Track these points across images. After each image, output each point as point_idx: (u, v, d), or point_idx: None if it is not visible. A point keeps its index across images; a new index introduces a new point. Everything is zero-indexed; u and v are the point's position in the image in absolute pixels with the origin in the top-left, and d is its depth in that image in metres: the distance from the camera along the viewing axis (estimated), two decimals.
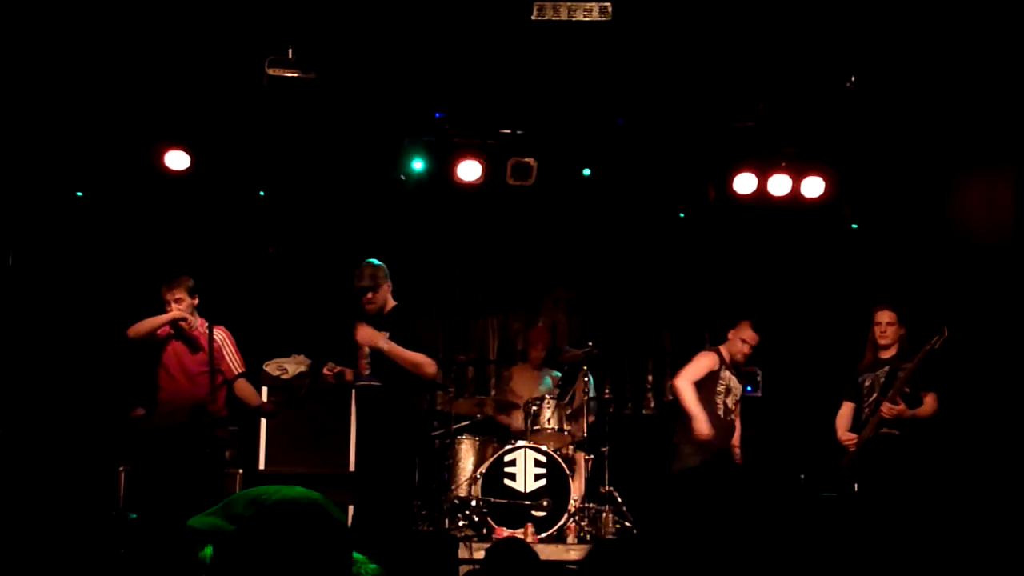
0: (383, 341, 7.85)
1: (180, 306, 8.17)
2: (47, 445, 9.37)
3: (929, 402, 8.28)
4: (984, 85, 8.53)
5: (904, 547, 7.74)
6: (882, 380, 8.28)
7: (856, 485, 8.28)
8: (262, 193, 10.33)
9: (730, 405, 9.16)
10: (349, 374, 8.18)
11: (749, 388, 10.56)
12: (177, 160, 9.61)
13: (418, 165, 10.17)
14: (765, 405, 10.55)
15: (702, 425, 8.87)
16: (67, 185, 9.86)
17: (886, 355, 8.41)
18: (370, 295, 7.94)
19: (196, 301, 8.34)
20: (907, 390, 8.11)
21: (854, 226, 10.51)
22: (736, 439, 9.33)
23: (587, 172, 10.46)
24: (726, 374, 9.16)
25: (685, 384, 9.06)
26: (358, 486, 8.27)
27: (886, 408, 8.12)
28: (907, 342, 8.40)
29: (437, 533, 8.55)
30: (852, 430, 8.44)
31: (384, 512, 7.82)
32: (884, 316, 8.42)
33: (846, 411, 8.55)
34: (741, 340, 9.17)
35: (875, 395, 8.28)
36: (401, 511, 8.01)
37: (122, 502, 8.50)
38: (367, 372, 8.01)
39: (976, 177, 9.22)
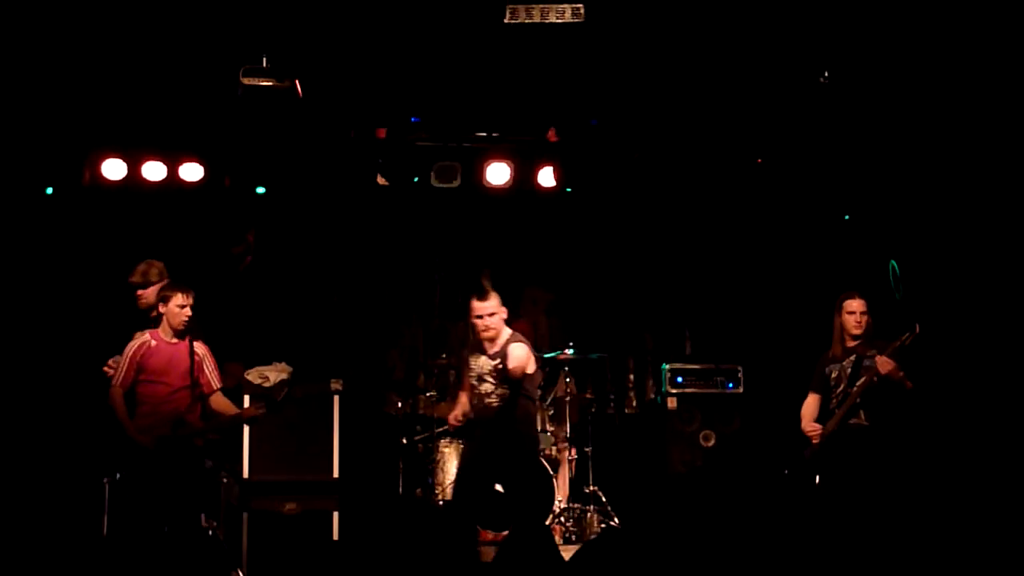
0: None
1: (187, 311, 8.10)
2: (32, 458, 9.36)
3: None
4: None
5: (865, 541, 7.64)
6: (848, 371, 8.04)
7: (818, 477, 8.06)
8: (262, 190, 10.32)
9: (482, 390, 8.41)
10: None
11: (731, 384, 10.59)
12: (156, 171, 9.76)
13: None
14: (746, 401, 10.58)
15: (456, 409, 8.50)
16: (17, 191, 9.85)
17: (852, 344, 8.13)
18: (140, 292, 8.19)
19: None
20: (875, 380, 7.84)
21: (846, 217, 10.51)
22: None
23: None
24: (476, 360, 8.52)
25: None
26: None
27: (882, 361, 7.80)
28: (872, 329, 8.13)
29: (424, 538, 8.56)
30: (818, 421, 8.19)
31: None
32: (857, 304, 8.13)
33: (812, 402, 8.27)
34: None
35: (842, 386, 8.04)
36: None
37: (107, 514, 8.47)
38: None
39: None
